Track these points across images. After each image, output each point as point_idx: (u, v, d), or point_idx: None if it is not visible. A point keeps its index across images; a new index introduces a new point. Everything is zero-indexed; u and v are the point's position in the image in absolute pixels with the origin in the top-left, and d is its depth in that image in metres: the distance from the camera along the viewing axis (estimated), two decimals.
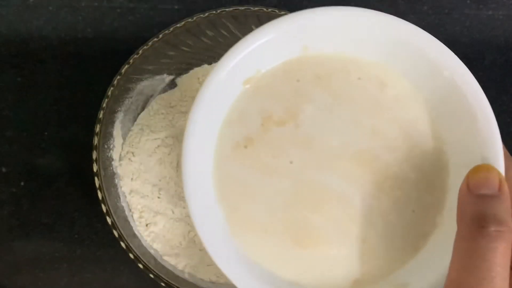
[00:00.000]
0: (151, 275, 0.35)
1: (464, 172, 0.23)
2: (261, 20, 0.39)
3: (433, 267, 0.25)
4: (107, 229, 0.35)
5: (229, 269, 0.24)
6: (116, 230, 0.35)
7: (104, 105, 0.37)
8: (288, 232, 0.26)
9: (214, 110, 0.25)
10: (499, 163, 0.24)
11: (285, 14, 0.37)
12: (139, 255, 0.35)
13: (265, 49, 0.25)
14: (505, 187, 0.22)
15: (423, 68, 0.25)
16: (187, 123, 0.24)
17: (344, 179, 0.26)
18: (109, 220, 0.35)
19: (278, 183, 0.25)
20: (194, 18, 0.38)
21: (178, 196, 0.40)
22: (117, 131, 0.39)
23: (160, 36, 0.37)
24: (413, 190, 0.26)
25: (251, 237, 0.26)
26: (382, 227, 0.26)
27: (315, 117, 0.26)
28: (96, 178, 0.36)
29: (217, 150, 0.26)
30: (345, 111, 0.26)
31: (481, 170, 0.23)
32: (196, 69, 0.41)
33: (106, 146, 0.38)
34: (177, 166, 0.40)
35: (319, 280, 0.26)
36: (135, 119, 0.40)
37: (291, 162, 0.25)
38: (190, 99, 0.41)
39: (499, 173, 0.23)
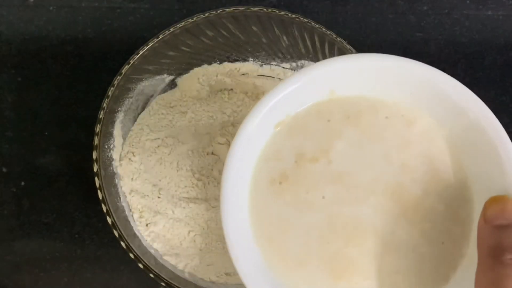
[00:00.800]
0: (151, 275, 0.35)
1: None
2: (261, 20, 0.39)
3: None
4: (108, 229, 0.35)
5: None
6: (116, 230, 0.35)
7: (105, 105, 0.37)
8: (322, 264, 0.27)
9: (248, 151, 0.27)
10: None
11: (285, 14, 0.37)
12: (139, 254, 0.35)
13: (294, 96, 0.27)
14: None
15: (445, 107, 0.27)
16: (225, 164, 0.26)
17: (376, 212, 0.27)
18: (109, 220, 0.35)
19: (311, 218, 0.27)
20: (194, 18, 0.38)
21: (178, 196, 0.40)
22: (117, 131, 0.39)
23: (160, 36, 0.37)
24: (441, 222, 0.27)
25: (286, 269, 0.27)
26: (413, 258, 0.27)
27: (346, 153, 0.27)
28: (96, 178, 0.36)
29: (252, 186, 0.27)
30: (375, 147, 0.27)
31: (497, 201, 0.23)
32: (196, 69, 0.42)
33: (106, 146, 0.38)
34: (177, 166, 0.40)
35: None
36: (135, 119, 0.40)
37: (323, 197, 0.27)
38: (190, 99, 0.41)
39: None
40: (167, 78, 0.41)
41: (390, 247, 0.26)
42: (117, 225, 0.35)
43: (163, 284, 0.35)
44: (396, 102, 0.27)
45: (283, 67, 0.42)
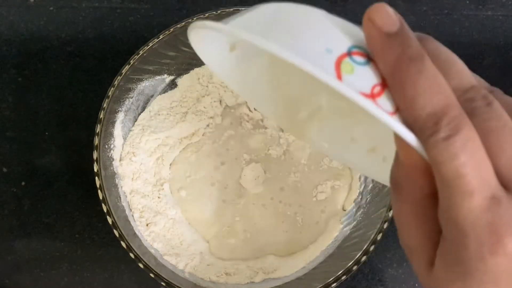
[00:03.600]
0: (152, 275, 0.35)
1: None
2: None
3: None
4: (108, 229, 0.35)
5: None
6: (116, 229, 0.35)
7: (105, 105, 0.37)
8: None
9: None
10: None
11: None
12: (139, 254, 0.35)
13: None
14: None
15: None
16: None
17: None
18: (109, 220, 0.35)
19: None
20: (195, 18, 0.38)
21: (178, 196, 0.40)
22: (117, 131, 0.39)
23: (161, 36, 0.38)
24: None
25: None
26: None
27: None
28: (96, 178, 0.36)
29: None
30: None
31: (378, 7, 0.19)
32: (197, 70, 0.42)
33: (106, 146, 0.38)
34: (171, 165, 0.40)
35: None
36: (135, 119, 0.40)
37: None
38: (190, 99, 0.41)
39: None
40: (167, 78, 0.41)
41: None
42: (117, 225, 0.35)
43: (163, 284, 0.35)
44: None
45: None
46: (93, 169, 0.36)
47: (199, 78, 0.41)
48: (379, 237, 0.34)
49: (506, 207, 0.17)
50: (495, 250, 0.17)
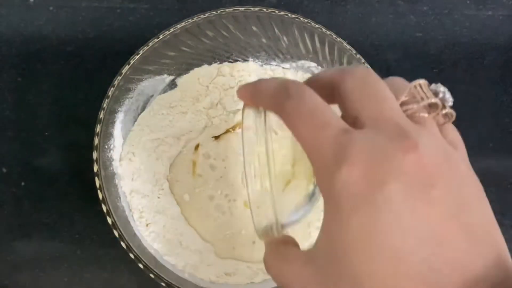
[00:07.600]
0: (152, 275, 0.35)
1: None
2: (261, 20, 0.39)
3: None
4: (108, 229, 0.35)
5: None
6: (116, 230, 0.35)
7: (105, 105, 0.37)
8: None
9: None
10: None
11: (285, 14, 0.37)
12: (139, 255, 0.35)
13: None
14: None
15: None
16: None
17: None
18: (109, 220, 0.35)
19: None
20: (194, 18, 0.38)
21: (178, 196, 0.40)
22: (117, 131, 0.39)
23: (160, 36, 0.38)
24: None
25: None
26: None
27: None
28: (96, 178, 0.36)
29: None
30: None
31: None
32: (196, 70, 0.42)
33: (106, 146, 0.38)
34: (171, 167, 0.40)
35: None
36: (135, 119, 0.40)
37: None
38: (190, 99, 0.41)
39: None
40: (167, 78, 0.41)
41: None
42: (117, 225, 0.35)
43: (163, 284, 0.35)
44: None
45: (283, 67, 0.42)
46: (93, 169, 0.36)
47: (199, 78, 0.41)
48: None
49: (355, 135, 0.21)
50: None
